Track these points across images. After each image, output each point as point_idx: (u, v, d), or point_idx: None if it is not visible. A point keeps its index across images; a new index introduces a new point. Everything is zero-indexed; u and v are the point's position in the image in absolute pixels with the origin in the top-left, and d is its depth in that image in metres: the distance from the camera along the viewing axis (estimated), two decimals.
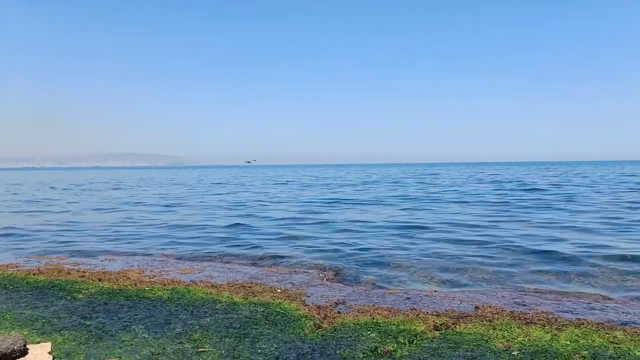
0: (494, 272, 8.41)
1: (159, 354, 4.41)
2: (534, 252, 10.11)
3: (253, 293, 6.72)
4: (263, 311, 5.79)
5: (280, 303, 6.16)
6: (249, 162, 41.15)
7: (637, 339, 4.78)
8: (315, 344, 4.70)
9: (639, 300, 6.58)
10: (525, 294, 6.90)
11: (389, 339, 4.79)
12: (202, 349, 4.54)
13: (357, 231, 13.73)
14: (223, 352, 4.47)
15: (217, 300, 6.31)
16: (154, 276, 7.95)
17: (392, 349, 4.52)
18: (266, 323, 5.35)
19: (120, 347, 4.59)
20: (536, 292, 7.06)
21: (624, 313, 5.87)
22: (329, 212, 19.01)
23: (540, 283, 7.68)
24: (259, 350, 4.53)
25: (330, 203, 23.45)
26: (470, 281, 7.88)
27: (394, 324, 5.26)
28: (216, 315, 5.61)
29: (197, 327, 5.19)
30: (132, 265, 9.03)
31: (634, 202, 20.60)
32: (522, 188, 32.52)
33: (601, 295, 6.89)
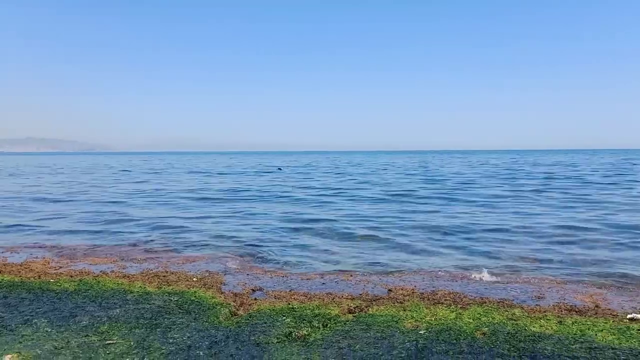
0: (409, 255, 8.73)
1: (62, 348, 4.19)
2: (442, 231, 10.61)
3: (167, 282, 6.55)
4: (177, 300, 5.66)
5: (195, 292, 6.04)
6: (280, 168, 39.54)
7: (533, 315, 5.14)
8: (230, 331, 4.67)
9: (535, 279, 7.08)
10: (436, 276, 7.22)
11: (303, 323, 4.85)
12: (109, 341, 4.36)
13: (275, 219, 13.74)
14: (132, 343, 4.32)
15: (128, 290, 6.08)
16: (61, 267, 7.53)
17: (306, 333, 4.58)
18: (179, 312, 5.23)
19: (20, 342, 4.31)
20: (446, 274, 7.40)
21: (522, 292, 6.29)
22: (235, 201, 18.87)
23: (449, 264, 8.05)
24: (171, 340, 4.42)
25: (230, 192, 23.25)
26: (388, 266, 8.11)
27: (309, 309, 5.33)
28: (127, 306, 5.41)
29: (106, 318, 4.97)
30: (37, 257, 8.49)
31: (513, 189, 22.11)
32: (424, 177, 33.84)
33: (506, 275, 7.33)
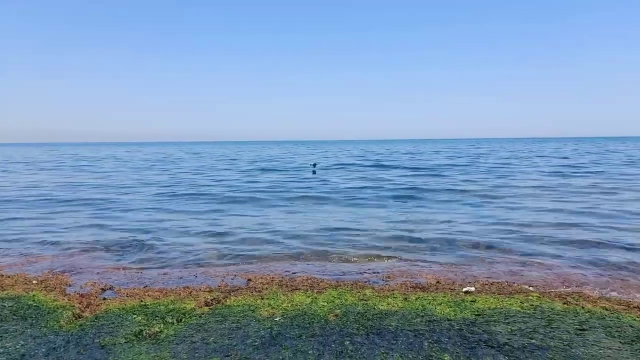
0: (271, 244, 8.79)
1: None
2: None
3: (1, 287, 5.88)
4: (11, 306, 5.09)
5: (34, 295, 5.49)
6: (314, 166, 34.76)
7: (382, 295, 5.46)
8: (71, 335, 4.31)
9: (387, 261, 7.53)
10: (295, 263, 7.35)
11: (155, 320, 4.64)
12: None
13: (131, 217, 13.04)
14: None
15: None
16: None
17: (158, 330, 4.39)
18: (14, 319, 4.72)
19: None
20: (304, 261, 7.57)
21: (374, 274, 6.65)
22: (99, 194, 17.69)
23: (310, 252, 8.25)
24: (2, 350, 3.97)
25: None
26: (248, 257, 8.08)
27: (163, 305, 5.12)
28: None
29: None
30: None
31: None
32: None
33: (362, 260, 7.69)
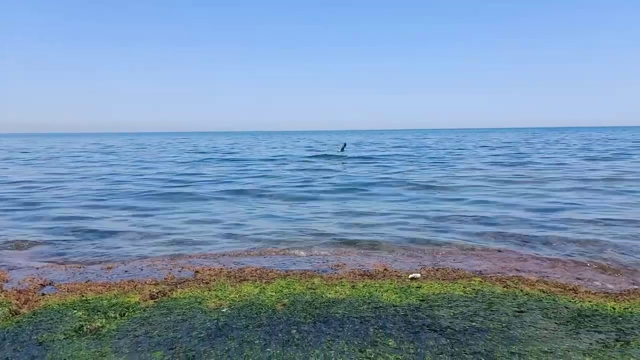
0: (216, 238, 8.69)
1: None
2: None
3: None
4: None
5: None
6: (344, 146, 32.17)
7: (330, 283, 5.50)
8: (7, 332, 4.13)
9: (336, 250, 7.60)
10: (245, 255, 7.30)
11: (97, 315, 4.50)
12: None
13: (81, 207, 12.60)
14: None
15: None
16: None
17: (100, 325, 4.26)
18: None
19: None
20: (256, 251, 7.53)
21: (324, 262, 6.70)
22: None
23: (260, 242, 8.22)
24: None
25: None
26: (197, 248, 7.96)
27: (106, 299, 4.97)
28: None
29: None
30: None
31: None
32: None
33: (311, 248, 7.72)
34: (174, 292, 5.21)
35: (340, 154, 31.02)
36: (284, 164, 27.44)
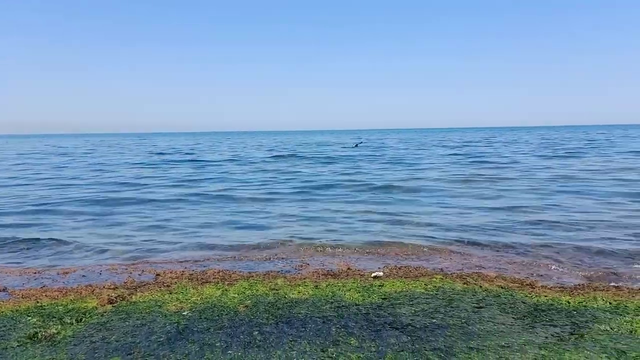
0: (174, 238, 8.56)
1: None
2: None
3: None
4: None
5: None
6: (360, 139, 31.45)
7: (293, 283, 5.49)
8: None
9: (301, 250, 7.59)
10: (207, 258, 7.20)
11: (52, 321, 4.36)
12: None
13: (39, 210, 12.20)
14: None
15: None
16: None
17: (55, 331, 4.13)
18: None
19: None
20: (220, 253, 7.46)
21: (288, 263, 6.69)
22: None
23: (225, 243, 8.14)
24: None
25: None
26: (157, 252, 7.82)
27: (62, 305, 4.83)
28: None
29: None
30: None
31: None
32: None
33: (275, 249, 7.69)
34: (133, 296, 5.09)
35: (353, 149, 31.38)
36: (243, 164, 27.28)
